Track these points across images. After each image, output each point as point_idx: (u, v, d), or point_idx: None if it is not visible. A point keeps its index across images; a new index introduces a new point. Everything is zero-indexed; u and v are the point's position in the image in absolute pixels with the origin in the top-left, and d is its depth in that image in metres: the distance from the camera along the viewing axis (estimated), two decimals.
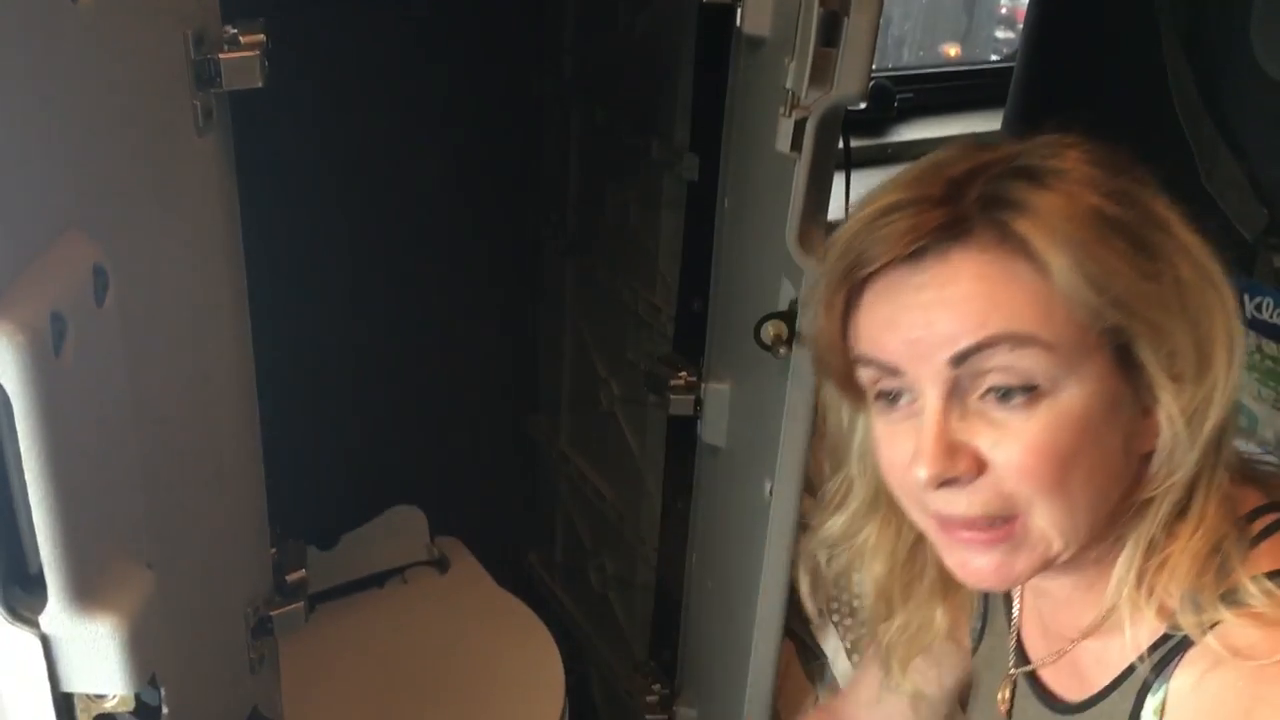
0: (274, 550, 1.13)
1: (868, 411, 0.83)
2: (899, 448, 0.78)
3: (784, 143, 1.12)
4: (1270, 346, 1.51)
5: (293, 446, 1.32)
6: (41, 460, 0.59)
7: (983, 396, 0.73)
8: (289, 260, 1.66)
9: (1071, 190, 0.72)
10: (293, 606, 1.11)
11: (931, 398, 0.74)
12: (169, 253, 0.84)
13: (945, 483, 0.74)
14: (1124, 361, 0.73)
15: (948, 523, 0.77)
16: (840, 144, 1.25)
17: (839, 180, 1.28)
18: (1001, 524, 0.75)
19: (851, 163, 1.66)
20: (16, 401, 0.58)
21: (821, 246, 1.18)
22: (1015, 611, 0.95)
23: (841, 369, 0.82)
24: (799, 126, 1.11)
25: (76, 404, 0.63)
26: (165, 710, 0.71)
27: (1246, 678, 0.69)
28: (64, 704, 0.67)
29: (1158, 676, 0.75)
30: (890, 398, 0.78)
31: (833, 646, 1.58)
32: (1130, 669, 0.78)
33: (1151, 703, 0.75)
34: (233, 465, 1.02)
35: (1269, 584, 0.71)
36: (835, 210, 1.32)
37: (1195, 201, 0.76)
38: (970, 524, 0.75)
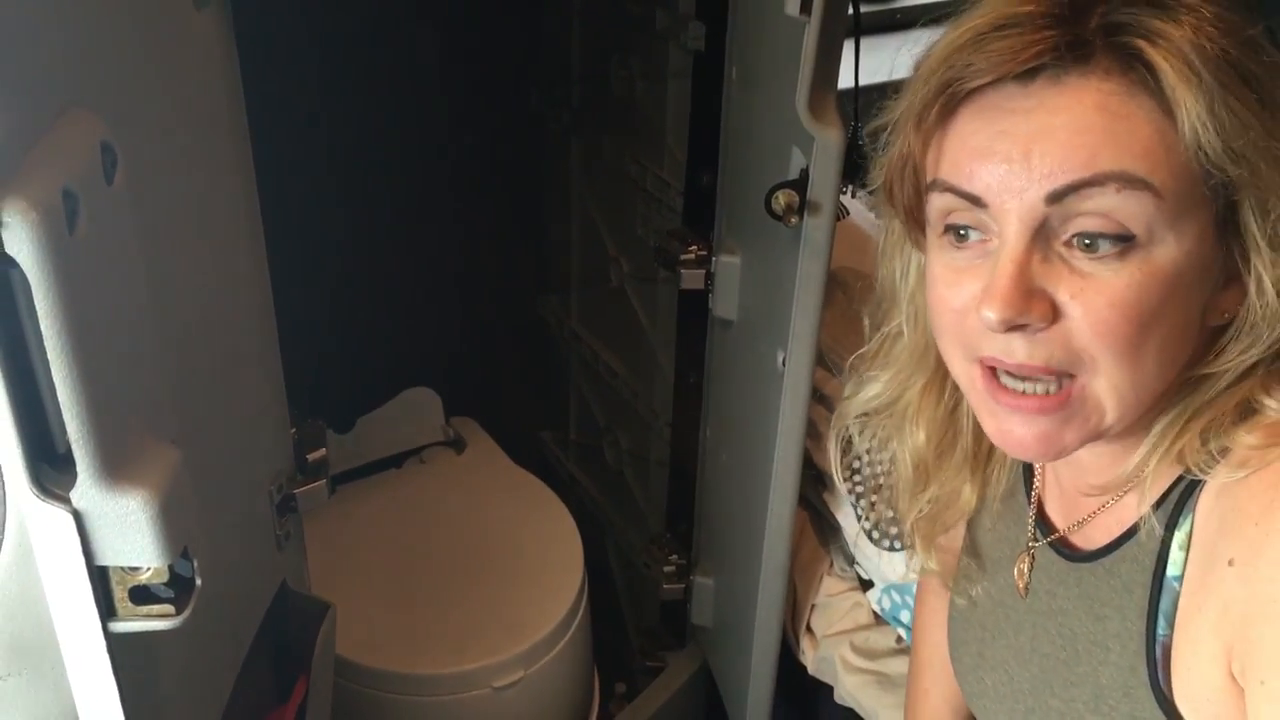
0: (293, 430, 1.14)
1: (927, 249, 0.78)
2: (962, 288, 0.72)
3: (793, 5, 1.09)
4: None
5: (306, 331, 1.32)
6: (62, 337, 0.60)
7: (1068, 242, 0.68)
8: (297, 143, 1.64)
9: (1204, 28, 0.66)
10: (315, 484, 1.12)
11: (1014, 236, 0.69)
12: (173, 130, 0.83)
13: (1012, 328, 0.69)
14: (1224, 223, 0.69)
15: (997, 380, 0.73)
16: (849, 9, 1.22)
17: (847, 48, 1.26)
18: (1057, 389, 0.71)
19: (860, 28, 1.62)
20: (34, 279, 0.58)
21: (831, 113, 1.17)
22: (1037, 484, 0.93)
23: (911, 196, 0.76)
24: None
25: (93, 281, 0.63)
26: (199, 582, 0.72)
27: (1263, 476, 0.69)
28: (99, 577, 0.68)
29: (1180, 512, 0.75)
30: (959, 233, 0.73)
31: (846, 514, 1.60)
32: (1150, 511, 0.77)
33: (1178, 537, 0.75)
34: (249, 345, 1.03)
35: None
36: (844, 79, 1.30)
37: None
38: (1023, 375, 0.71)
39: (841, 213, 1.69)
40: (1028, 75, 0.68)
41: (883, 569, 1.57)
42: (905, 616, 1.56)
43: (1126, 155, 0.66)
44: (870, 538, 1.56)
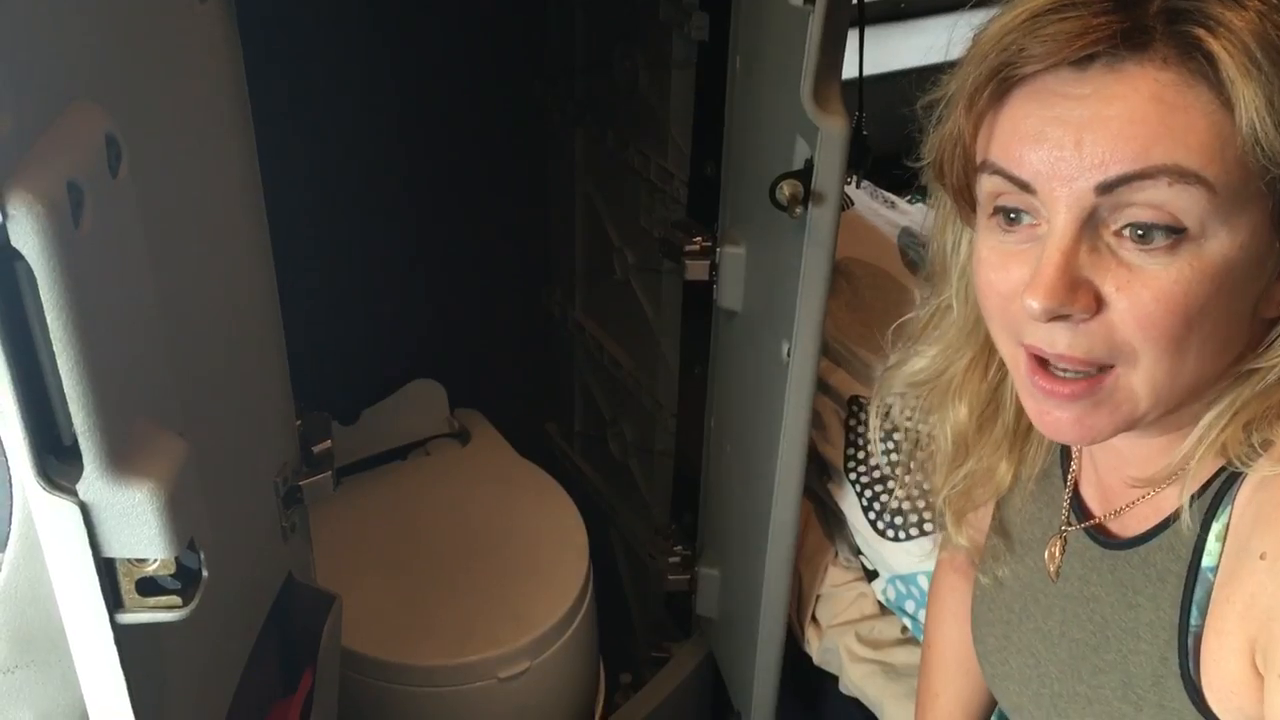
0: (298, 422, 1.14)
1: (976, 229, 0.77)
2: (1009, 272, 0.72)
3: None
4: None
5: (311, 323, 1.33)
6: (68, 329, 0.60)
7: (1118, 232, 0.67)
8: (301, 135, 1.64)
9: (1271, 15, 0.64)
10: (320, 476, 1.12)
11: (1062, 224, 0.68)
12: (177, 123, 0.83)
13: (1055, 318, 0.68)
14: (1278, 216, 0.67)
15: (1038, 362, 0.72)
16: None
17: (852, 37, 1.25)
18: (1091, 375, 0.70)
19: (865, 18, 1.62)
20: (39, 272, 0.58)
21: (836, 103, 1.17)
22: (1073, 468, 0.92)
23: (960, 177, 0.75)
24: None
25: (98, 273, 0.63)
26: (205, 573, 0.72)
27: None
28: (106, 569, 0.68)
29: (1220, 504, 0.74)
30: (1009, 216, 0.72)
31: (851, 505, 1.60)
32: (1189, 503, 0.76)
33: (1215, 528, 0.74)
34: (254, 337, 1.03)
35: None
36: (848, 69, 1.29)
37: None
38: (1062, 361, 0.71)
39: (846, 203, 1.69)
40: (1083, 62, 0.66)
41: (888, 559, 1.58)
42: (910, 606, 1.56)
43: (1180, 148, 0.64)
44: (875, 528, 1.56)
